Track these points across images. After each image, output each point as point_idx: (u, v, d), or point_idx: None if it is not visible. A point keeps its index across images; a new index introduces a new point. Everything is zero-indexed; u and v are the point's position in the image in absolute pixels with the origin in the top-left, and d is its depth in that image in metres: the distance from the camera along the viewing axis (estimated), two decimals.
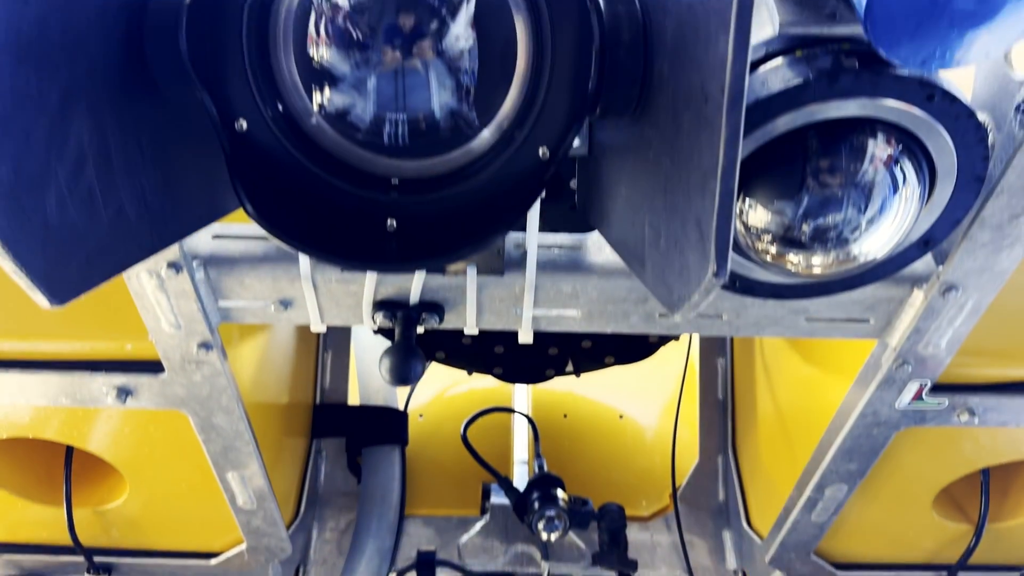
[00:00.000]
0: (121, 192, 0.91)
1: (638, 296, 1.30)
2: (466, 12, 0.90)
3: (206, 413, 1.52)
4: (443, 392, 2.96)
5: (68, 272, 0.85)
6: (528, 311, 1.32)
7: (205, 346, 1.37)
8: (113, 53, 0.87)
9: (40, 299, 0.81)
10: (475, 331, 1.36)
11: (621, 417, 2.90)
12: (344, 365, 2.59)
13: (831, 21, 0.95)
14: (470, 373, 2.55)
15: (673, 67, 0.83)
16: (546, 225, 1.26)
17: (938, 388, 1.45)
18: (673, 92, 0.83)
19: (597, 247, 1.31)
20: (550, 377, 2.48)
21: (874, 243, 1.07)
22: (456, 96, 0.93)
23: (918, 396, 1.45)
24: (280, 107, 0.94)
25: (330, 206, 0.97)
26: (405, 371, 1.21)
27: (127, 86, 0.90)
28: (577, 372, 2.48)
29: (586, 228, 1.34)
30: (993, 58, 0.78)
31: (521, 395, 2.87)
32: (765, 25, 1.00)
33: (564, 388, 2.91)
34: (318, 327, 1.35)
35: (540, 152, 0.95)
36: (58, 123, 0.80)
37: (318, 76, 0.92)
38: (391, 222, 0.98)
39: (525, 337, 1.36)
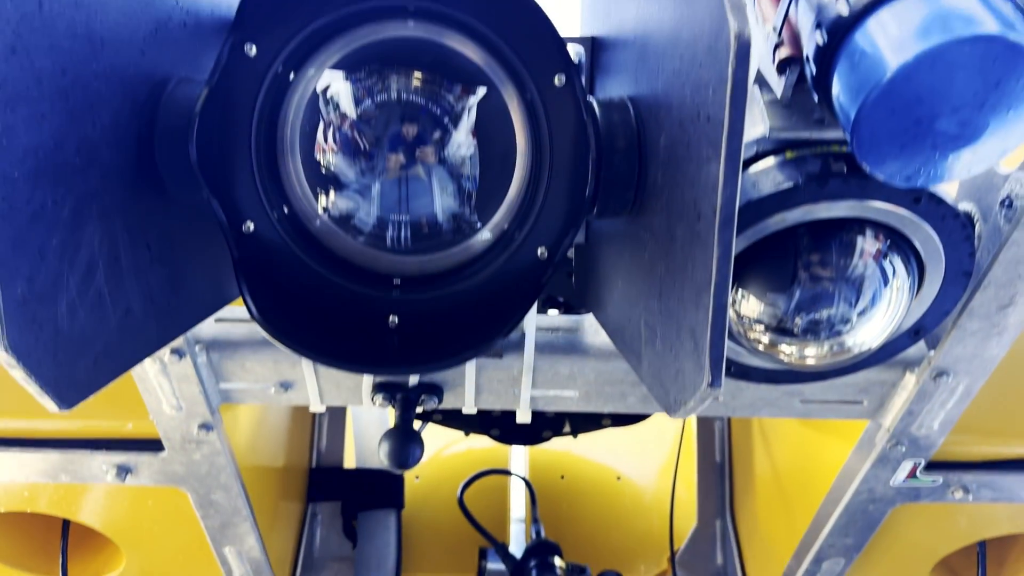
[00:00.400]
0: (129, 292, 0.93)
1: (635, 378, 1.31)
2: (467, 120, 0.93)
3: (205, 490, 1.52)
4: (440, 452, 2.96)
5: (77, 376, 0.86)
6: (526, 392, 1.33)
7: (205, 427, 1.38)
8: (124, 160, 0.90)
9: (49, 404, 0.83)
10: (473, 410, 1.38)
11: (619, 478, 2.89)
12: (340, 427, 2.59)
13: (819, 126, 0.99)
14: (467, 434, 2.56)
15: (666, 178, 0.86)
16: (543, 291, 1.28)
17: (932, 466, 1.47)
18: (667, 202, 0.86)
19: (594, 329, 1.34)
20: (547, 439, 2.48)
21: (866, 334, 1.09)
22: (458, 200, 0.96)
23: (912, 474, 1.46)
24: (286, 209, 0.96)
25: (333, 304, 0.99)
26: (404, 456, 1.22)
27: (137, 190, 0.93)
28: (574, 433, 2.49)
29: (582, 306, 1.36)
30: (976, 174, 0.81)
31: (518, 456, 2.87)
32: (757, 123, 1.04)
33: (561, 449, 2.91)
34: (318, 408, 1.36)
35: (539, 252, 0.97)
36: (70, 234, 0.82)
37: (324, 180, 0.95)
38: (393, 318, 1.00)
39: (523, 417, 1.37)
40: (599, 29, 1.14)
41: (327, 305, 0.99)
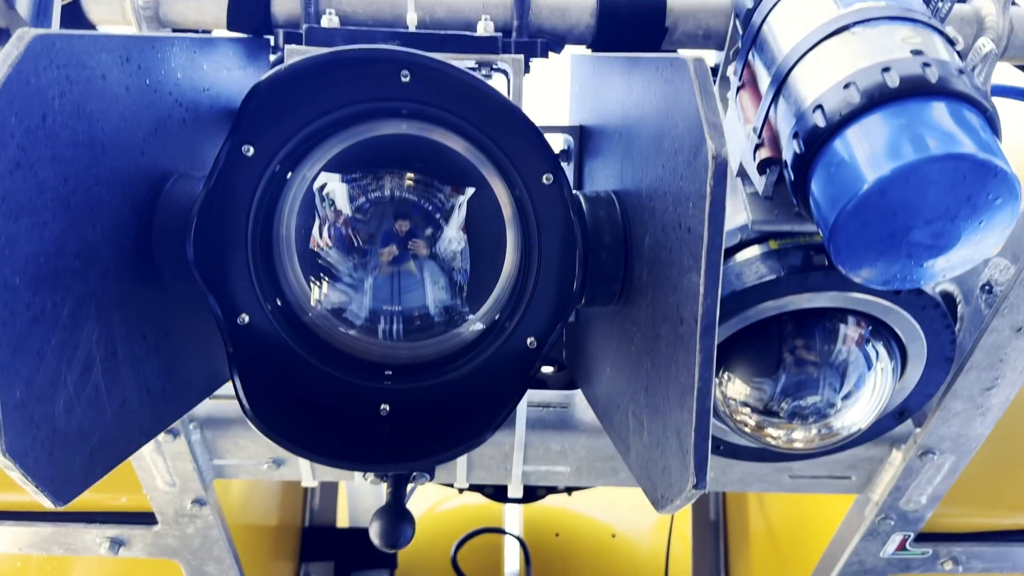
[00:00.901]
0: (125, 385, 0.95)
1: None
2: (458, 217, 0.96)
3: (198, 562, 1.52)
4: (432, 509, 2.94)
5: (73, 471, 0.87)
6: (518, 468, 1.34)
7: (199, 502, 1.38)
8: (122, 258, 0.92)
9: (45, 501, 0.84)
10: (465, 484, 1.38)
11: (614, 536, 2.89)
12: (333, 486, 2.60)
13: (800, 219, 1.01)
14: (461, 491, 2.55)
15: (651, 277, 0.89)
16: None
17: (922, 538, 1.47)
18: (652, 300, 0.88)
19: (584, 405, 1.35)
20: (542, 496, 2.48)
21: (852, 418, 1.11)
22: (449, 293, 0.98)
23: (902, 547, 1.47)
24: (279, 302, 0.98)
25: (325, 394, 1.00)
26: (395, 536, 1.22)
27: (134, 284, 0.95)
28: (569, 490, 2.49)
29: (573, 383, 1.38)
30: (952, 277, 0.83)
31: (512, 513, 2.85)
32: (740, 212, 1.06)
33: (556, 505, 2.90)
34: (310, 483, 1.37)
35: (528, 342, 0.99)
36: (69, 334, 0.84)
37: (318, 273, 0.97)
38: (384, 407, 1.01)
39: (515, 492, 1.38)
40: (587, 119, 1.17)
41: (319, 396, 1.00)
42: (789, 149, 0.87)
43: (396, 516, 1.22)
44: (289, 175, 0.95)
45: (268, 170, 0.94)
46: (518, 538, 2.63)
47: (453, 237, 0.96)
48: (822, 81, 0.85)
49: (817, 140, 0.83)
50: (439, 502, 3.01)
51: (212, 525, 1.43)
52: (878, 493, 1.38)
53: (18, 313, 0.77)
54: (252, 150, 0.93)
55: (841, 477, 1.38)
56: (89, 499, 1.48)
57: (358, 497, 2.63)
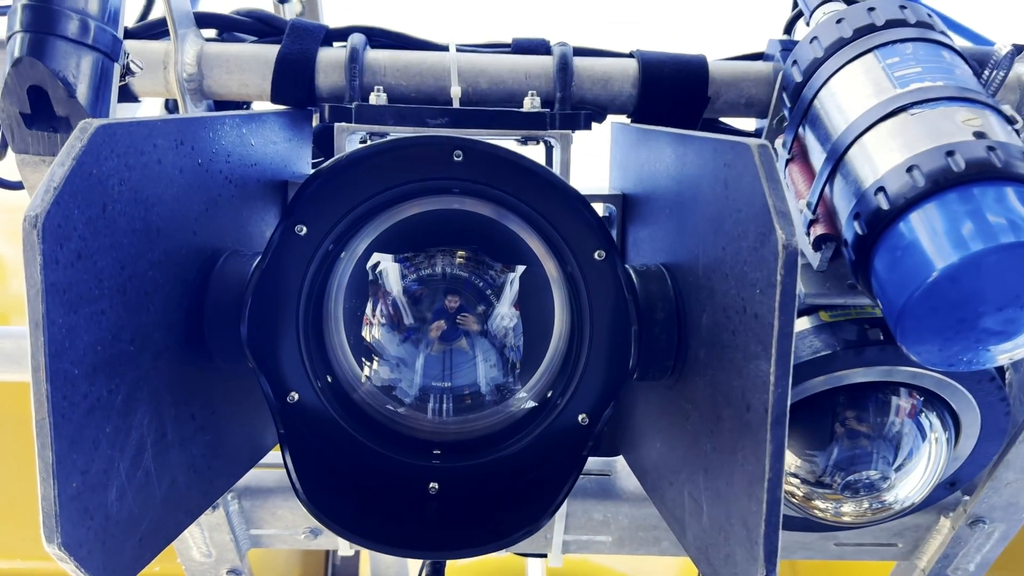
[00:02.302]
0: (174, 466, 0.93)
1: None
2: (510, 293, 0.95)
3: None
4: (451, 563, 2.89)
5: (123, 559, 0.85)
6: (558, 537, 1.32)
7: (234, 572, 1.35)
8: (174, 339, 0.91)
9: None
10: (504, 554, 1.35)
11: None
12: None
13: (853, 292, 1.00)
14: None
15: (710, 357, 0.87)
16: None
17: None
18: (712, 381, 0.87)
19: (627, 472, 1.33)
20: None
21: (905, 491, 1.08)
22: (501, 370, 0.97)
23: None
24: (330, 379, 0.97)
25: (372, 473, 0.99)
26: None
27: (184, 366, 0.94)
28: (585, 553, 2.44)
29: (613, 453, 1.35)
30: (1017, 359, 0.81)
31: (535, 567, 2.80)
32: None
33: (580, 557, 2.85)
34: (347, 552, 1.35)
35: (580, 418, 0.97)
36: (123, 420, 0.83)
37: (368, 351, 0.96)
38: (433, 485, 0.99)
39: (555, 562, 1.35)
40: (631, 187, 1.17)
41: (367, 474, 0.99)
42: (850, 229, 0.86)
43: None
44: (343, 254, 0.95)
45: (321, 249, 0.93)
46: None
47: (505, 314, 0.95)
48: (883, 162, 0.84)
49: (880, 222, 0.82)
50: None
51: None
52: (924, 560, 1.35)
53: (76, 404, 0.75)
54: (305, 230, 0.92)
55: (887, 544, 1.35)
56: None
57: (381, 557, 2.59)
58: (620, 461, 1.34)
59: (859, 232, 0.84)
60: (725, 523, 0.84)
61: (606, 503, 1.30)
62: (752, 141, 0.76)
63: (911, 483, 1.09)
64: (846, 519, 1.11)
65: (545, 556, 2.36)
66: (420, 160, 0.90)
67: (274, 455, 1.34)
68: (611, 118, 1.22)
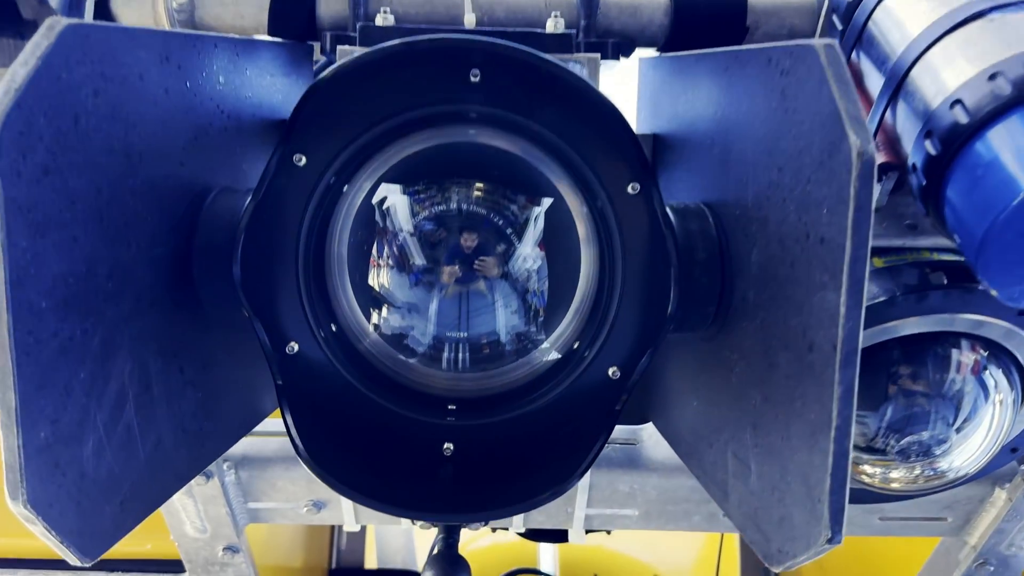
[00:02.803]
0: (160, 423, 0.84)
1: (701, 496, 1.21)
2: (533, 231, 0.85)
3: None
4: (462, 549, 2.80)
5: (102, 523, 0.77)
6: (581, 511, 1.23)
7: (231, 549, 1.27)
8: (159, 282, 0.82)
9: (70, 558, 0.73)
10: (521, 529, 1.27)
11: None
12: (362, 526, 2.47)
13: (912, 232, 0.91)
14: (494, 530, 2.42)
15: (761, 297, 0.78)
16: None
17: None
18: (763, 324, 0.77)
19: (654, 441, 1.24)
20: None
21: (963, 456, 0.99)
22: (523, 317, 0.87)
23: None
24: (334, 328, 0.88)
25: (381, 432, 0.90)
26: None
27: (170, 312, 0.85)
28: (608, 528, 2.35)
29: (640, 420, 1.26)
30: None
31: (547, 552, 2.72)
32: None
33: (594, 544, 2.76)
34: (352, 527, 1.26)
35: (611, 372, 0.88)
36: (100, 366, 0.74)
37: (376, 296, 0.87)
38: (447, 446, 0.90)
39: (576, 538, 1.26)
40: (662, 126, 1.07)
41: (375, 433, 0.90)
42: (919, 151, 0.76)
43: (451, 565, 1.11)
44: (345, 188, 0.85)
45: (322, 182, 0.84)
46: None
47: (527, 254, 0.86)
48: (956, 75, 0.75)
49: (957, 139, 0.72)
50: (467, 541, 2.87)
51: (244, 574, 1.32)
52: (976, 536, 1.26)
53: (44, 342, 0.66)
54: (305, 160, 0.83)
55: (936, 519, 1.25)
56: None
57: (387, 537, 2.51)
58: (647, 429, 1.25)
59: (932, 152, 0.74)
60: (779, 482, 0.75)
61: (632, 474, 1.21)
62: (816, 41, 0.66)
63: (970, 448, 1.00)
64: (894, 486, 1.02)
65: (564, 539, 2.29)
66: (432, 79, 0.81)
67: (273, 422, 1.25)
68: (639, 52, 1.13)
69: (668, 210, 0.87)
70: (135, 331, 0.79)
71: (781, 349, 0.73)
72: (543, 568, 2.63)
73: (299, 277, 0.85)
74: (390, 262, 0.86)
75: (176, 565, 1.32)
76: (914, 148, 0.78)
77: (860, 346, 0.64)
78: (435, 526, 1.21)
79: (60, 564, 1.37)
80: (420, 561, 2.51)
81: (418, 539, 2.57)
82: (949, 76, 0.76)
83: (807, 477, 0.69)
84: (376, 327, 0.89)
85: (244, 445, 1.21)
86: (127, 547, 1.36)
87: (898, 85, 0.83)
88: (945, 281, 0.89)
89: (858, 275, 0.62)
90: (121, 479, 0.79)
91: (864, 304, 0.63)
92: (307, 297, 0.86)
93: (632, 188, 0.84)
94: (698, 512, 1.23)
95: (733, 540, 2.43)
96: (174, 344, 0.86)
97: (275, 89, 1.05)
